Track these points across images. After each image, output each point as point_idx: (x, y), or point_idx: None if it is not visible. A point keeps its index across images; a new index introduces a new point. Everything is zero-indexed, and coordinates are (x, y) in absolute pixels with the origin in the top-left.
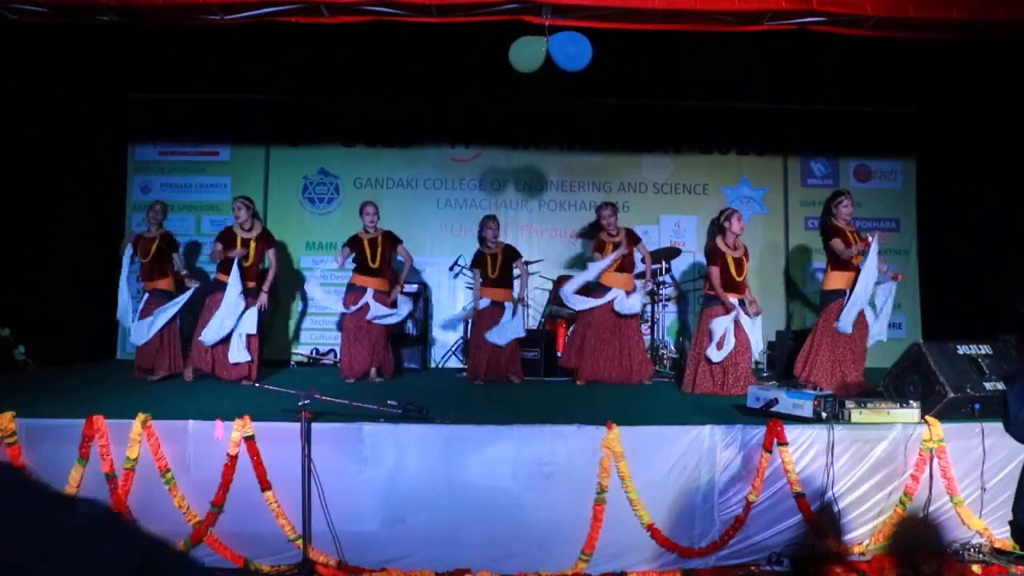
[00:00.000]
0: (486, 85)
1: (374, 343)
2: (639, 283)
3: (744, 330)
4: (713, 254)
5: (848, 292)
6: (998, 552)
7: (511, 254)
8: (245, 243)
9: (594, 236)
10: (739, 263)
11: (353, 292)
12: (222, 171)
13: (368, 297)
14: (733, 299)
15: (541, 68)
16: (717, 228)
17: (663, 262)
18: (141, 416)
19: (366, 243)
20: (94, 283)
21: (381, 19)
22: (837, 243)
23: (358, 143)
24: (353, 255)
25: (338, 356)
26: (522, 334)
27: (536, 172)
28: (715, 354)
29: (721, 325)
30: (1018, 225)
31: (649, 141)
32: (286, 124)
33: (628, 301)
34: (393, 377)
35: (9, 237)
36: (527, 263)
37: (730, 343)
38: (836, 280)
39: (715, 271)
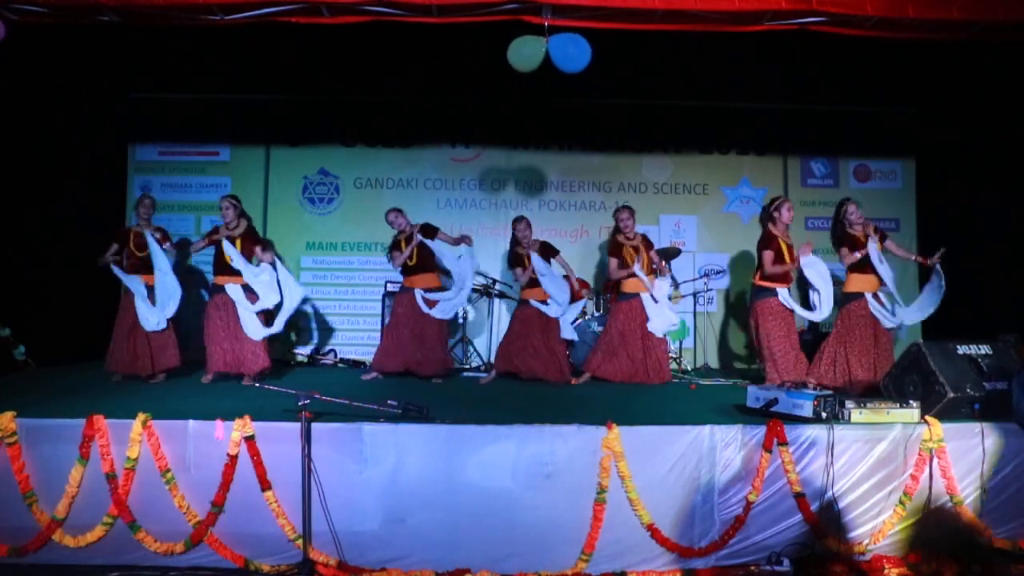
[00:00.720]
0: (486, 85)
1: (412, 340)
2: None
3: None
4: (767, 239)
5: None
6: (998, 552)
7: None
8: (232, 242)
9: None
10: (790, 250)
11: (401, 294)
12: (222, 171)
13: (419, 300)
14: (782, 288)
15: (541, 68)
16: (767, 216)
17: (663, 262)
18: (141, 416)
19: (403, 242)
20: (94, 283)
21: (381, 19)
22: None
23: (358, 143)
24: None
25: (338, 355)
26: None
27: (536, 172)
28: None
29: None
30: (1018, 225)
31: (649, 141)
32: (286, 124)
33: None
34: (444, 377)
35: (9, 237)
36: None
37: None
38: (855, 283)
39: (769, 255)
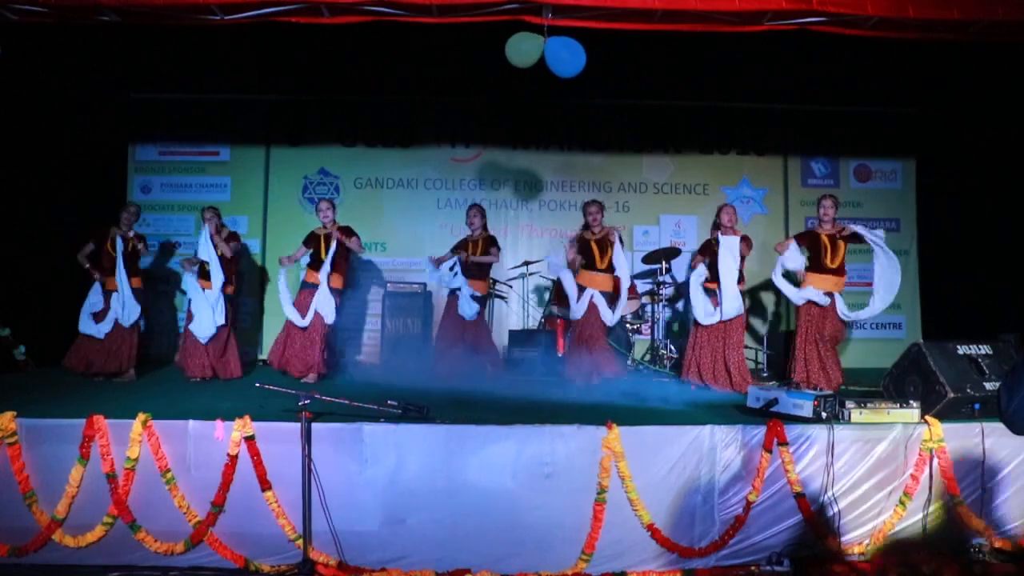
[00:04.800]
0: (486, 85)
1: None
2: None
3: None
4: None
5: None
6: (998, 552)
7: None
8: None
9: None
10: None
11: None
12: (222, 171)
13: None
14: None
15: (542, 67)
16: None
17: (663, 262)
18: (141, 416)
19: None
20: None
21: (381, 19)
22: None
23: (358, 143)
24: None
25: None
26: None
27: (536, 172)
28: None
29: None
30: (1018, 225)
31: (649, 141)
32: (286, 124)
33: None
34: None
35: (10, 237)
36: (527, 263)
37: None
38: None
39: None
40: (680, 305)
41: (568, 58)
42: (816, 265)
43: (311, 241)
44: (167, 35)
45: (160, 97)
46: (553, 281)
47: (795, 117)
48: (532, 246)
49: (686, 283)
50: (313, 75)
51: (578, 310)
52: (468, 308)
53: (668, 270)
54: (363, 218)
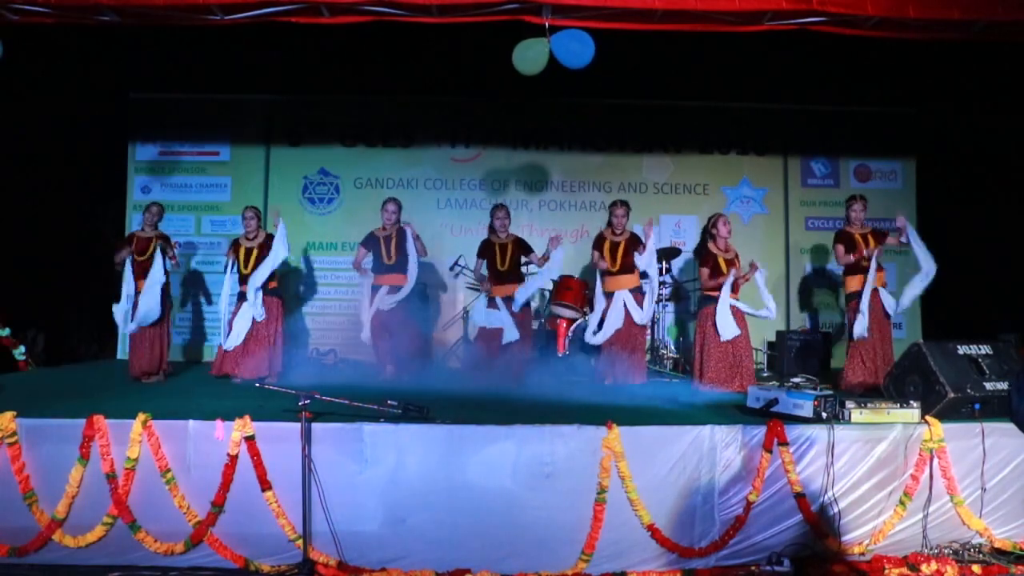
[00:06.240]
0: (486, 85)
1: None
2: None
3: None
4: (704, 256)
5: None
6: (998, 552)
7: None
8: (248, 251)
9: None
10: (728, 264)
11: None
12: (222, 171)
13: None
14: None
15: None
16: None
17: (663, 262)
18: (141, 416)
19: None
20: (94, 283)
21: (381, 19)
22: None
23: (358, 143)
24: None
25: (338, 355)
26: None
27: (536, 172)
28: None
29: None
30: (1018, 225)
31: (649, 141)
32: (286, 124)
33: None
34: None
35: (10, 237)
36: (528, 263)
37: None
38: (850, 283)
39: (705, 271)
40: (679, 305)
41: (578, 49)
42: (855, 266)
43: (371, 244)
44: (167, 35)
45: (160, 97)
46: (554, 281)
47: (795, 117)
48: (532, 246)
49: (685, 283)
50: (313, 75)
51: (615, 318)
52: (511, 332)
53: (668, 270)
54: (363, 218)
